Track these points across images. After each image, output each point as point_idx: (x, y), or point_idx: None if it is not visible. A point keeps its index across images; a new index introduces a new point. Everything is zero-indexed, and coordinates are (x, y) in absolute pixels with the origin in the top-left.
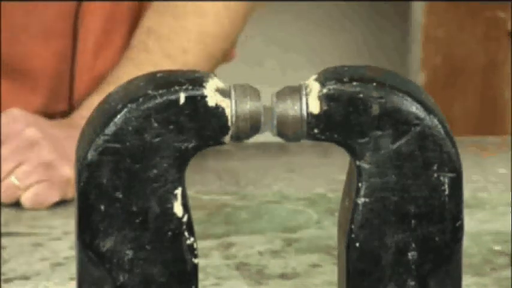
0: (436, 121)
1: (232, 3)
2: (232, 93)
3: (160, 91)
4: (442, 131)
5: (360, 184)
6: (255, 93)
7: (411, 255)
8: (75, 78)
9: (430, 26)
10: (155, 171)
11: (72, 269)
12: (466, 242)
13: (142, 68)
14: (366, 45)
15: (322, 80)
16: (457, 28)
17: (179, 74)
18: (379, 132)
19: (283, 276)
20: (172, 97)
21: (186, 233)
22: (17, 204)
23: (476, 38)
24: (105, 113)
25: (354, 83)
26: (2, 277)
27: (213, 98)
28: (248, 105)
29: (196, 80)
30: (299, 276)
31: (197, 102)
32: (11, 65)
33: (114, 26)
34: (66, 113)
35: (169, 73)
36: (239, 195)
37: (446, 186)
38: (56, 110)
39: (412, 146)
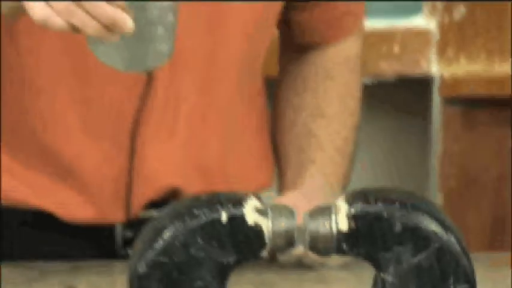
0: (453, 238)
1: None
2: (269, 212)
3: (204, 210)
4: (458, 248)
5: None
6: (290, 213)
7: None
8: (133, 189)
9: (447, 141)
10: (199, 283)
11: None
12: None
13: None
14: (386, 160)
15: (350, 200)
16: (472, 143)
17: (221, 195)
18: (401, 248)
19: None
20: (216, 216)
21: None
22: None
23: (490, 152)
24: (155, 230)
25: (379, 204)
26: None
27: (251, 217)
28: (283, 224)
29: (237, 200)
30: None
31: (237, 221)
32: (63, 165)
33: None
34: (123, 223)
35: (213, 194)
36: None
37: None
38: (112, 221)
39: (431, 260)
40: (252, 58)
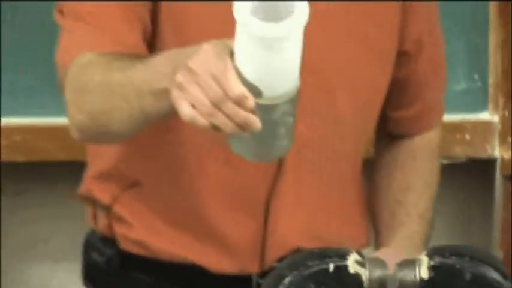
0: (510, 285)
1: None
2: (367, 264)
3: (316, 262)
4: None
5: None
6: (383, 264)
7: None
8: (266, 246)
9: (507, 212)
10: None
11: None
12: None
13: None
14: (455, 226)
15: (430, 255)
16: None
17: (329, 250)
18: None
19: None
20: (324, 266)
21: None
22: None
23: None
24: (276, 277)
25: (453, 257)
26: None
27: (353, 267)
28: (378, 273)
29: (341, 254)
30: None
31: (342, 271)
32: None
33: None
34: (258, 273)
35: (323, 249)
36: None
37: None
38: (249, 272)
39: None
40: (360, 142)
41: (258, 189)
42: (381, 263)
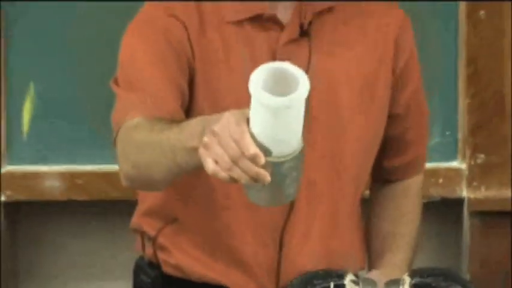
0: None
1: None
2: (361, 283)
3: (320, 281)
4: None
5: None
6: (374, 283)
7: None
8: (281, 269)
9: (473, 241)
10: None
11: None
12: None
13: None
14: (437, 251)
15: (411, 275)
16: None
17: (331, 271)
18: None
19: None
20: (327, 285)
21: None
22: None
23: (502, 249)
24: None
25: (430, 277)
26: None
27: (349, 286)
28: None
29: (340, 275)
30: None
31: None
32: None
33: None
34: None
35: (326, 270)
36: None
37: None
38: None
39: None
40: (359, 185)
41: (275, 223)
42: (372, 282)
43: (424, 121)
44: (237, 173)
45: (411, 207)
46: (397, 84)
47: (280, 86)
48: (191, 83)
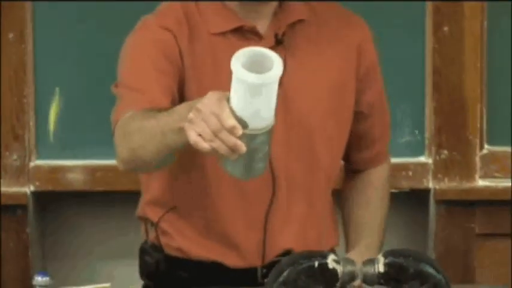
0: (442, 277)
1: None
2: (341, 262)
3: (305, 260)
4: (444, 282)
5: None
6: (353, 262)
7: None
8: (266, 248)
9: (438, 227)
10: None
11: None
12: None
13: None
14: (405, 235)
15: (385, 255)
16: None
17: (315, 252)
18: (413, 282)
19: None
20: (311, 263)
21: None
22: None
23: (459, 234)
24: (278, 271)
25: (401, 257)
26: None
27: (331, 264)
28: (349, 268)
29: (323, 255)
30: None
31: (324, 267)
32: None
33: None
34: (261, 266)
35: (311, 251)
36: None
37: None
38: (255, 265)
39: None
40: (332, 173)
41: (260, 210)
42: (351, 262)
43: (386, 120)
44: (217, 144)
45: (378, 196)
46: (360, 86)
47: (257, 67)
48: (183, 88)
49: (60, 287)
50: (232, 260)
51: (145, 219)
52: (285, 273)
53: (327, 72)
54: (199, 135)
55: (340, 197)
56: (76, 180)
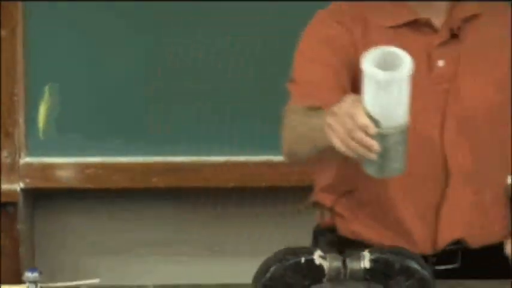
0: (426, 273)
1: None
2: (327, 257)
3: (292, 256)
4: (429, 277)
5: None
6: (339, 258)
7: None
8: (438, 237)
9: None
10: None
11: None
12: None
13: None
14: None
15: (371, 252)
16: None
17: (302, 248)
18: (399, 277)
19: None
20: (298, 260)
21: None
22: None
23: None
24: (265, 266)
25: (387, 254)
26: None
27: (318, 260)
28: (335, 264)
29: (310, 251)
30: None
31: (310, 262)
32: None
33: None
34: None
35: (297, 248)
36: None
37: None
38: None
39: (415, 285)
40: (503, 169)
41: (432, 197)
42: (337, 257)
43: None
44: (352, 144)
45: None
46: None
47: (388, 67)
48: (357, 83)
49: (50, 283)
50: (403, 246)
51: (320, 205)
52: (271, 269)
53: (497, 67)
54: (339, 138)
55: None
56: (66, 177)
